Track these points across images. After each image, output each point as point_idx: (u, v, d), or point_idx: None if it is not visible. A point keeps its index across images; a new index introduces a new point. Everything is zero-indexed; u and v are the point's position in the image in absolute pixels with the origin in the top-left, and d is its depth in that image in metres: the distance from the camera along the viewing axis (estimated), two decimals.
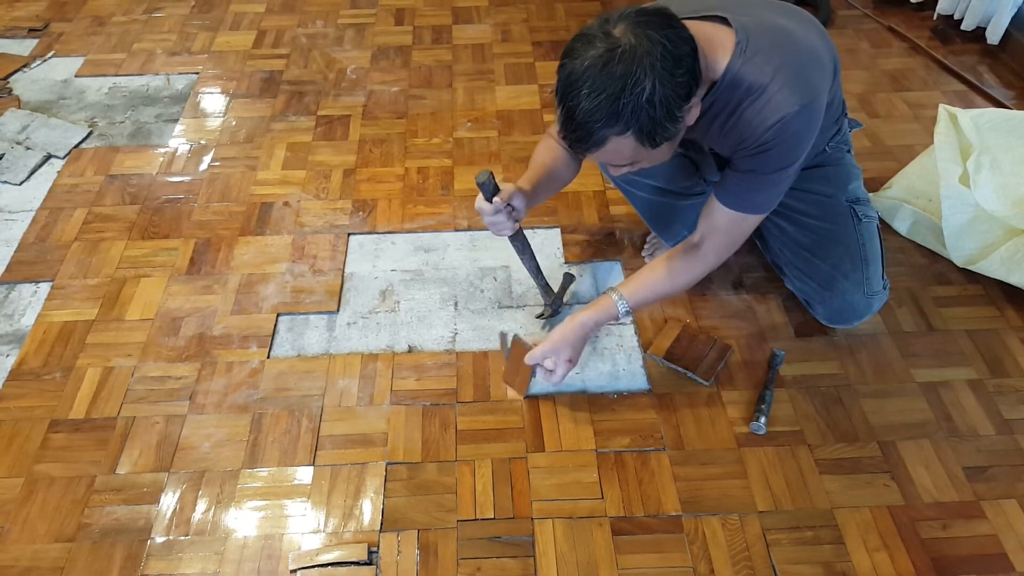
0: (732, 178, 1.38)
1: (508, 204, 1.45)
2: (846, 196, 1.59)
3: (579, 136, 1.17)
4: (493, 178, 1.43)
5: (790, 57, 1.26)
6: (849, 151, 1.64)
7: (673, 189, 1.68)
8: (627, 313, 1.50)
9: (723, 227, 1.42)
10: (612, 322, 1.61)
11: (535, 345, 1.54)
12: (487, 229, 1.96)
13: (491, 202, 1.44)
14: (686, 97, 1.16)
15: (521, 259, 1.69)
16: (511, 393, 1.64)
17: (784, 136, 1.26)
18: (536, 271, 1.71)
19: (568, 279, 1.82)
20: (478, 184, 1.43)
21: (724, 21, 1.27)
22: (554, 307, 1.78)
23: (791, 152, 1.30)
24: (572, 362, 1.52)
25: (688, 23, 1.20)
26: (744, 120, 1.27)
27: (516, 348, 1.62)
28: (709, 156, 1.56)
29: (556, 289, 1.80)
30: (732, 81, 1.25)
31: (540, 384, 1.64)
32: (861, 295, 1.57)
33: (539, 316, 1.79)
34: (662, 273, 1.49)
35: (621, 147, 1.19)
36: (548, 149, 1.57)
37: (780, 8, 1.36)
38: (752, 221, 1.42)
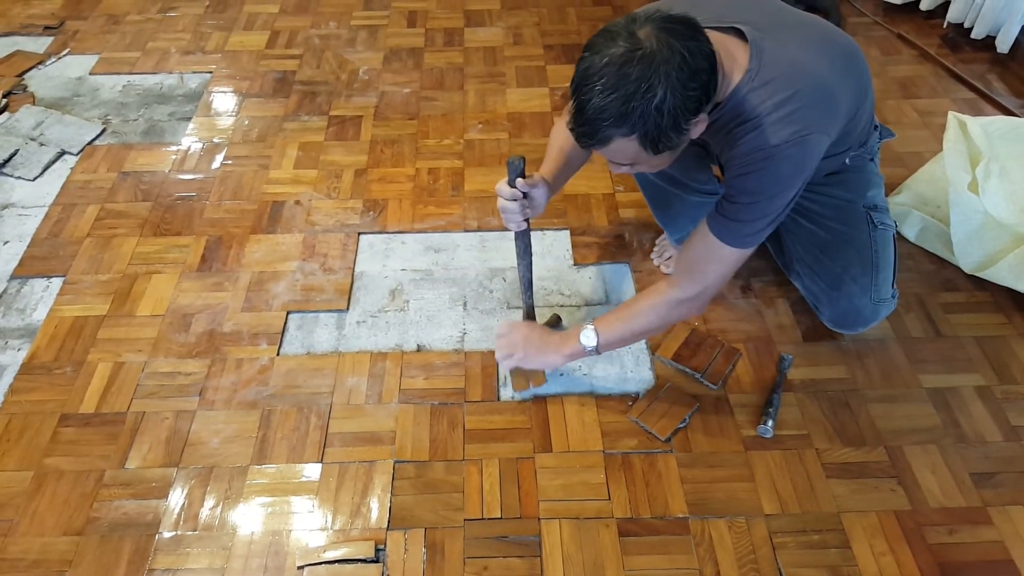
0: (721, 199, 1.36)
1: (525, 195, 1.44)
2: (864, 202, 1.59)
3: (586, 131, 1.18)
4: (523, 164, 1.42)
5: (797, 94, 1.24)
6: (872, 159, 1.63)
7: (683, 180, 1.66)
8: (594, 348, 1.49)
9: (695, 250, 1.39)
10: (580, 354, 1.54)
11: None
12: (497, 230, 1.99)
13: (513, 186, 1.43)
14: (695, 111, 1.16)
15: (518, 262, 1.61)
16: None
17: (766, 164, 1.25)
18: (528, 282, 1.64)
19: (555, 319, 1.78)
20: (508, 164, 1.42)
21: (745, 38, 1.26)
22: (527, 302, 1.70)
23: (771, 183, 1.27)
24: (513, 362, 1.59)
25: (713, 34, 1.20)
26: (734, 143, 1.28)
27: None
28: None
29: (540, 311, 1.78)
30: (735, 106, 1.25)
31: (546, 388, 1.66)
32: (868, 300, 1.57)
33: (525, 315, 1.71)
34: (631, 306, 1.49)
35: (624, 148, 1.19)
36: (563, 132, 1.53)
37: (808, 32, 1.35)
38: (726, 253, 1.35)
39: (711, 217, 1.37)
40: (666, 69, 1.09)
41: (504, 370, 1.68)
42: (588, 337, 1.49)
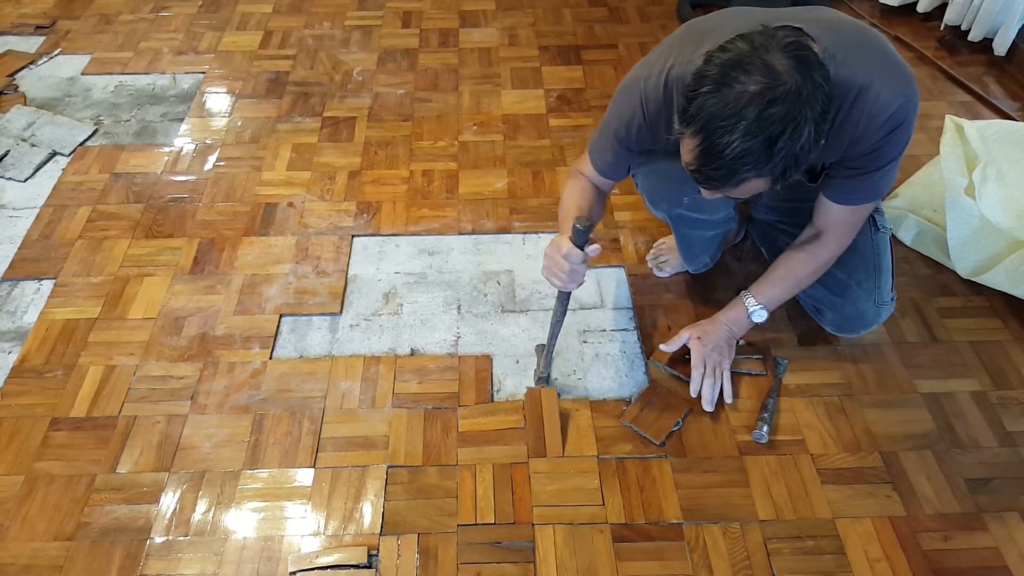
0: (843, 179, 1.36)
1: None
2: None
3: (721, 175, 1.10)
4: (592, 227, 1.31)
5: (876, 49, 1.23)
6: None
7: (712, 219, 1.64)
8: (759, 311, 1.55)
9: (842, 220, 1.43)
10: (747, 324, 1.59)
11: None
12: (491, 233, 1.98)
13: (583, 250, 1.33)
14: (824, 138, 1.11)
15: (557, 319, 1.53)
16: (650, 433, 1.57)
17: (899, 129, 1.24)
18: (556, 336, 1.58)
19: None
20: (580, 229, 1.29)
21: (795, 30, 1.19)
22: (547, 371, 1.66)
23: (904, 140, 1.27)
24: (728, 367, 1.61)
25: None
26: (851, 123, 1.24)
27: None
28: None
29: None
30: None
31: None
32: (871, 304, 1.56)
33: (538, 381, 1.67)
34: (786, 267, 1.52)
35: (752, 186, 1.14)
36: (581, 192, 1.50)
37: (826, 10, 1.31)
38: (869, 208, 1.43)
39: (846, 195, 1.39)
40: (811, 105, 1.04)
41: (726, 379, 1.62)
42: (760, 316, 1.56)
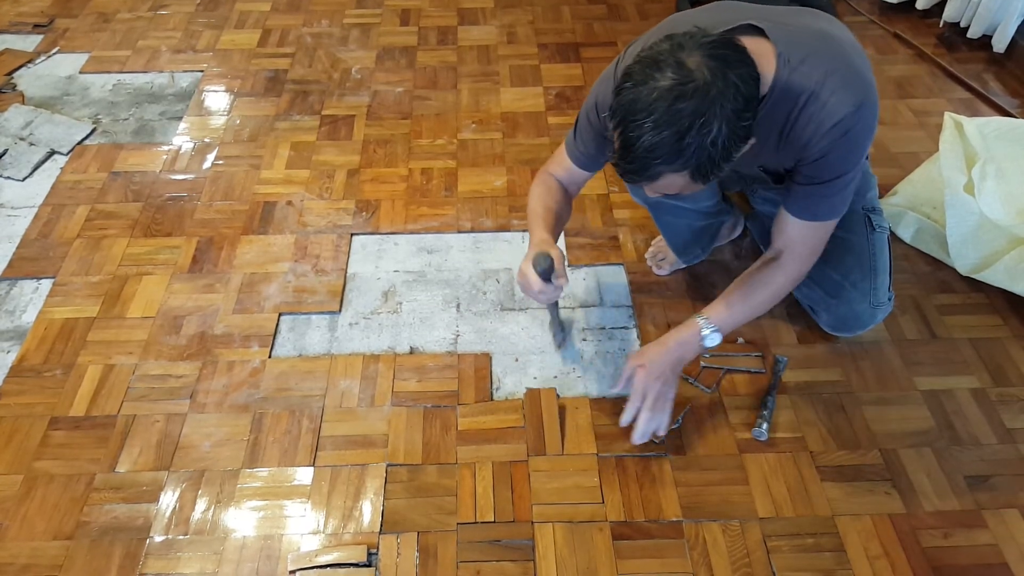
0: (798, 189, 1.35)
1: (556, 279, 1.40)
2: (863, 204, 1.57)
3: (634, 168, 1.13)
4: (552, 262, 1.38)
5: (836, 58, 1.23)
6: (867, 158, 1.62)
7: (695, 208, 1.65)
8: (713, 335, 1.43)
9: (799, 238, 1.39)
10: (698, 347, 1.46)
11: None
12: (490, 231, 1.98)
13: (551, 281, 1.40)
14: (745, 139, 1.13)
15: (552, 309, 1.67)
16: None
17: (845, 138, 1.23)
18: (557, 312, 1.68)
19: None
20: (540, 270, 1.37)
21: (758, 31, 1.22)
22: (566, 334, 1.74)
23: (853, 153, 1.27)
24: (672, 398, 1.49)
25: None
26: (800, 128, 1.24)
27: None
28: (733, 175, 1.54)
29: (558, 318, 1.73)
30: (781, 94, 1.21)
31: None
32: (867, 305, 1.56)
33: (559, 347, 1.73)
34: (742, 290, 1.44)
35: (673, 181, 1.15)
36: (548, 193, 1.51)
37: (808, 12, 1.32)
38: (828, 226, 1.38)
39: (802, 207, 1.36)
40: (721, 102, 1.05)
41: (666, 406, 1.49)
42: (713, 340, 1.44)
